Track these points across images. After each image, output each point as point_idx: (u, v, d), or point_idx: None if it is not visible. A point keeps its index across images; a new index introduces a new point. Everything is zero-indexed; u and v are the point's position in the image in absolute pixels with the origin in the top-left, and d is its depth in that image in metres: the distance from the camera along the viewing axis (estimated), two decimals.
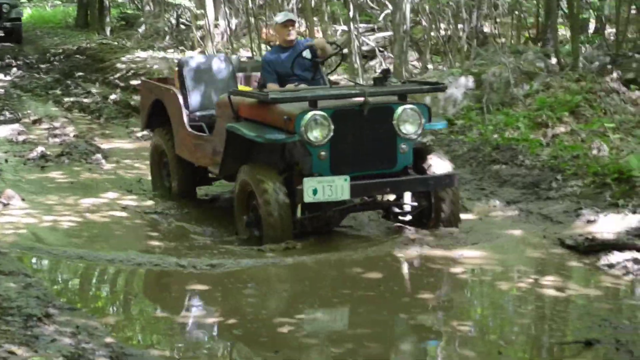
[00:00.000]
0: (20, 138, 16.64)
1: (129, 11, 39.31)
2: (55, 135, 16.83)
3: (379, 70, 9.99)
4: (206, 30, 27.54)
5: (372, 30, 23.21)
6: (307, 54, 9.65)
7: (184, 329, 7.24)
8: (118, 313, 7.49)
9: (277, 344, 6.97)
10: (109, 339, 6.58)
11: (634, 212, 10.28)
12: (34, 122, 18.45)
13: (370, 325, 6.77)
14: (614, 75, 17.26)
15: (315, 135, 7.83)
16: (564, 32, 20.43)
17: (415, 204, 9.12)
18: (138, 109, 20.67)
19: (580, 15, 20.69)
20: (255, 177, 8.01)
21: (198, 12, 28.87)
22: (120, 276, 8.68)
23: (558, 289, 8.08)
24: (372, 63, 21.11)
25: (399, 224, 9.43)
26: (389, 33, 20.40)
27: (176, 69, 10.90)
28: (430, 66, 19.42)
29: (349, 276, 7.76)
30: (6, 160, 14.33)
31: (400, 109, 8.18)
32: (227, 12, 27.40)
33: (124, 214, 11.29)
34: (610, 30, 20.72)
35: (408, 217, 9.14)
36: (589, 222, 10.20)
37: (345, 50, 11.69)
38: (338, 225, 9.08)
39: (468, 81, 16.32)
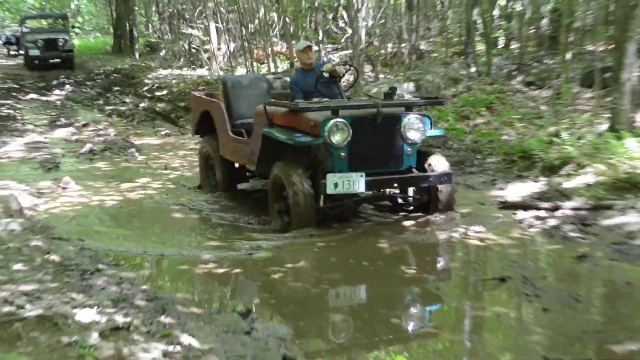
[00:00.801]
0: (73, 138, 16.64)
1: (152, 39, 38.91)
2: (99, 135, 16.82)
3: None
4: (211, 52, 27.34)
5: (337, 49, 23.12)
6: (326, 74, 9.37)
7: (201, 279, 7.26)
8: (151, 268, 7.50)
9: (272, 288, 7.05)
10: (144, 287, 6.61)
11: (535, 181, 10.42)
12: (83, 125, 18.38)
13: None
14: (518, 79, 17.37)
15: (337, 138, 7.69)
16: (480, 47, 20.39)
17: (418, 197, 8.98)
18: (162, 113, 20.77)
19: (492, 35, 20.70)
20: (286, 172, 7.84)
21: (205, 38, 28.69)
22: (156, 236, 8.70)
23: (480, 239, 8.19)
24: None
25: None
26: (350, 51, 20.31)
27: (221, 85, 10.64)
28: (381, 76, 19.35)
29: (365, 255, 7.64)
30: (63, 155, 14.33)
31: (406, 118, 8.07)
32: (227, 38, 27.22)
33: (153, 191, 11.32)
34: (515, 45, 20.73)
35: (410, 208, 9.03)
36: (502, 189, 10.35)
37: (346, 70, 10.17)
38: (353, 213, 8.91)
39: (409, 86, 16.40)
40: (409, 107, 8.38)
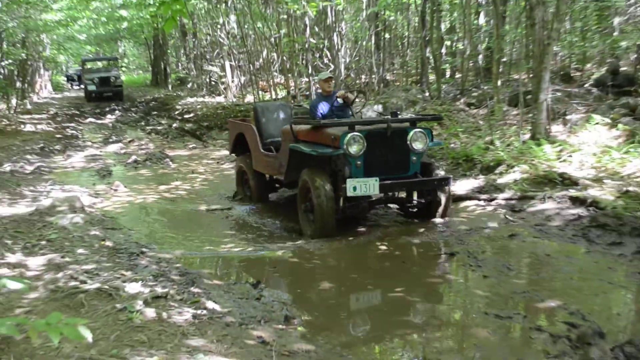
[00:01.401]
0: (122, 151, 16.58)
1: (181, 75, 38.95)
2: (142, 149, 16.75)
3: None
4: (226, 84, 27.36)
5: None
6: (340, 100, 9.17)
7: (222, 260, 7.25)
8: (186, 251, 7.49)
9: (275, 264, 7.05)
10: (178, 265, 6.60)
11: (475, 179, 10.42)
12: (129, 141, 18.32)
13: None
14: (461, 101, 17.39)
15: (354, 149, 7.36)
16: (432, 77, 20.42)
17: (422, 200, 8.43)
18: (189, 131, 20.71)
19: (441, 67, 20.72)
20: (312, 177, 7.50)
21: (221, 73, 28.69)
22: (185, 228, 8.71)
23: (436, 223, 8.20)
24: None
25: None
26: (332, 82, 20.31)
27: (252, 111, 10.31)
28: (357, 100, 19.35)
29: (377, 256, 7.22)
30: (114, 165, 14.29)
31: (412, 132, 7.73)
32: (238, 73, 27.22)
33: (183, 192, 11.31)
34: (458, 75, 20.76)
35: (415, 209, 8.57)
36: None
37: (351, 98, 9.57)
38: (367, 213, 8.49)
39: (379, 107, 16.34)
40: (413, 122, 8.09)
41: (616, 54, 19.50)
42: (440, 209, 8.27)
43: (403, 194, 8.67)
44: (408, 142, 7.74)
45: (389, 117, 7.95)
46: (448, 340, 4.77)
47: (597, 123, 12.12)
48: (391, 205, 9.22)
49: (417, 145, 7.75)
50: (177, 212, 9.85)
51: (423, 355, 4.19)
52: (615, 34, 20.19)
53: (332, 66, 19.66)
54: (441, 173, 8.26)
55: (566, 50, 21.21)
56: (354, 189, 7.18)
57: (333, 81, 9.45)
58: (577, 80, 18.48)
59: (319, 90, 9.59)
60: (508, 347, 4.60)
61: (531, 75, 13.74)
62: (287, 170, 8.39)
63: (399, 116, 8.37)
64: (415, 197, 8.56)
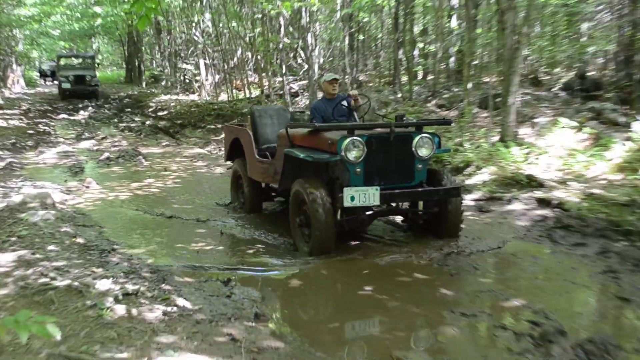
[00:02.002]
0: (94, 148, 16.49)
1: (155, 72, 38.77)
2: (115, 146, 16.66)
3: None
4: (200, 82, 27.33)
5: (296, 79, 23.17)
6: (344, 103, 8.27)
7: (193, 256, 7.24)
8: (154, 248, 7.47)
9: (244, 262, 7.05)
10: (149, 261, 6.60)
11: None
12: (102, 138, 18.22)
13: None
14: (433, 102, 17.50)
15: (353, 155, 6.52)
16: (404, 79, 20.52)
17: (428, 210, 7.52)
18: (163, 129, 20.63)
19: (413, 69, 20.83)
20: (305, 187, 6.66)
21: (196, 72, 28.66)
22: (153, 228, 8.67)
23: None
24: (296, 99, 21.09)
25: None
26: (306, 81, 20.33)
27: (249, 115, 9.62)
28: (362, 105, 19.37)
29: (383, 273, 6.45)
30: (86, 161, 14.20)
31: (417, 137, 6.87)
32: (212, 71, 27.18)
33: (155, 190, 11.26)
34: (430, 77, 20.90)
35: (421, 221, 7.69)
36: None
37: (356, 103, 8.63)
38: (367, 226, 7.70)
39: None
40: (419, 127, 7.16)
41: (584, 59, 19.74)
42: (449, 225, 7.35)
43: (407, 205, 7.89)
44: (413, 148, 6.93)
45: (392, 121, 7.20)
46: (415, 337, 4.82)
47: (564, 126, 12.26)
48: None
49: (423, 152, 6.96)
50: (152, 209, 9.81)
51: (390, 352, 4.22)
52: (583, 39, 20.44)
53: (306, 66, 19.66)
54: (451, 180, 7.36)
55: (536, 55, 21.46)
56: (352, 198, 6.44)
57: (337, 83, 8.53)
58: (546, 84, 18.68)
59: (320, 94, 8.99)
60: (473, 345, 4.67)
61: (501, 79, 13.87)
62: (282, 177, 7.63)
63: (404, 120, 7.53)
64: (421, 208, 7.75)
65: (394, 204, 7.23)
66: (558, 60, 21.42)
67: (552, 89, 17.30)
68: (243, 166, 9.15)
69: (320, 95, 10.50)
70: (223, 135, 10.85)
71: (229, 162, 10.28)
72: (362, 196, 6.44)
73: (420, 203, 7.67)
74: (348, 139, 6.54)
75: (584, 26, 21.17)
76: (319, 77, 18.66)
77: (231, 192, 9.90)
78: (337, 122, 8.04)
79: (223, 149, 10.56)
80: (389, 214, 7.63)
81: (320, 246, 6.63)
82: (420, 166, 7.00)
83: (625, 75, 16.78)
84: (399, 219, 8.37)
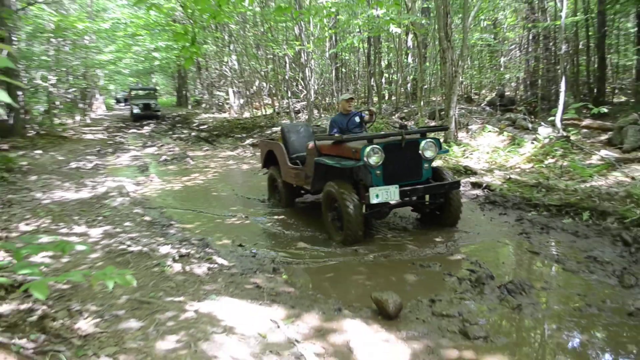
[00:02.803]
0: (156, 152, 16.38)
1: (197, 98, 38.55)
2: (170, 151, 16.56)
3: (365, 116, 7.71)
4: (230, 104, 27.22)
5: (298, 101, 23.08)
6: (357, 118, 7.59)
7: (228, 229, 7.21)
8: (202, 223, 7.44)
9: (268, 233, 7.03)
10: (198, 232, 6.59)
11: None
12: (161, 146, 18.12)
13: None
14: (396, 116, 17.45)
15: (374, 160, 5.97)
16: (375, 99, 20.47)
17: (434, 202, 6.74)
18: (204, 138, 20.50)
19: (381, 92, 20.77)
20: (338, 188, 6.06)
21: (226, 97, 28.55)
22: (203, 206, 8.63)
23: None
24: (299, 115, 21.01)
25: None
26: (305, 102, 20.25)
27: (279, 132, 8.69)
28: (323, 115, 19.33)
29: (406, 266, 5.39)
30: (150, 162, 14.12)
31: (423, 142, 6.32)
32: (239, 96, 27.06)
33: (200, 181, 11.21)
34: (393, 98, 20.84)
35: (427, 210, 6.95)
36: None
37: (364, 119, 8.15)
38: (386, 216, 6.91)
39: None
40: (423, 133, 6.62)
41: (502, 83, 19.74)
42: (452, 213, 6.66)
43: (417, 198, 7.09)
44: (420, 151, 6.36)
45: (402, 130, 6.49)
46: (388, 282, 4.81)
47: (489, 131, 12.26)
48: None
49: (428, 154, 6.40)
50: (197, 195, 9.75)
51: (370, 293, 4.22)
52: (501, 69, 20.43)
53: (305, 91, 19.57)
54: (449, 175, 6.72)
55: (468, 80, 21.45)
56: (377, 196, 5.89)
57: (353, 101, 7.78)
58: (476, 101, 18.69)
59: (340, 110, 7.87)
60: (428, 286, 4.66)
61: (444, 98, 13.84)
62: (314, 181, 6.98)
63: (408, 128, 6.86)
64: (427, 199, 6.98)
65: (407, 198, 6.53)
66: (484, 84, 21.45)
67: (480, 105, 17.30)
68: (277, 172, 8.43)
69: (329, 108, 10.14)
70: (259, 148, 9.62)
71: (264, 169, 9.34)
72: (385, 194, 5.91)
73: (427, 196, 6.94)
74: (369, 147, 6.00)
75: (502, 60, 21.17)
76: (314, 99, 18.63)
77: (268, 192, 9.12)
78: (353, 134, 7.31)
79: (259, 156, 9.33)
80: (403, 206, 6.89)
81: (353, 236, 6.00)
82: (426, 165, 6.46)
83: (531, 94, 16.82)
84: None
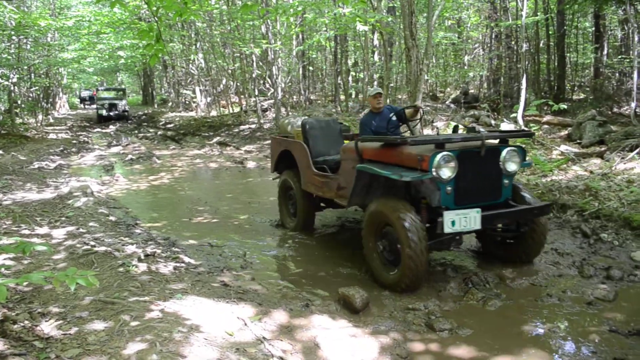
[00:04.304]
0: (121, 152, 16.07)
1: (164, 96, 38.03)
2: (135, 150, 16.28)
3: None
4: (197, 103, 26.91)
5: (265, 99, 22.95)
6: (395, 118, 5.94)
7: (195, 227, 7.13)
8: (168, 222, 7.35)
9: (236, 229, 6.95)
10: (163, 232, 6.50)
11: None
12: (126, 145, 17.80)
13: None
14: (363, 113, 17.51)
15: (446, 172, 4.36)
16: (342, 97, 20.53)
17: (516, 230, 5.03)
18: (170, 137, 20.26)
19: (348, 90, 20.84)
20: (392, 209, 4.40)
21: (193, 95, 28.21)
22: (169, 205, 8.52)
23: None
24: (267, 113, 20.91)
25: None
26: (272, 100, 20.16)
27: (298, 128, 6.74)
28: (290, 113, 19.26)
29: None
30: (115, 162, 13.85)
31: (505, 151, 4.70)
32: (205, 94, 26.77)
33: (166, 180, 11.05)
34: (360, 96, 20.94)
35: (498, 239, 5.27)
36: None
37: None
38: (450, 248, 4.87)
39: (305, 118, 16.16)
40: (505, 140, 4.95)
41: (466, 81, 20.02)
42: (534, 246, 4.97)
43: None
44: (501, 163, 4.72)
45: (483, 132, 5.00)
46: (358, 279, 4.81)
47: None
48: None
49: (511, 167, 4.76)
50: (161, 195, 9.61)
51: (336, 288, 4.21)
52: (465, 67, 20.73)
53: (272, 90, 19.50)
54: (531, 196, 5.01)
55: (433, 78, 21.69)
56: (453, 223, 4.30)
57: (381, 97, 6.22)
58: (441, 99, 18.91)
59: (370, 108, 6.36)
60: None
61: (410, 96, 13.96)
62: (353, 194, 5.20)
63: (478, 132, 5.21)
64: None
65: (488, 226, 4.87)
66: (449, 82, 21.70)
67: (445, 102, 17.50)
68: (295, 178, 6.60)
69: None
70: (270, 147, 7.64)
71: (275, 173, 7.39)
72: (464, 220, 4.35)
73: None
74: (440, 155, 4.36)
75: (466, 58, 21.48)
76: (281, 97, 18.57)
77: (279, 206, 7.08)
78: (392, 135, 5.71)
79: (269, 159, 7.41)
80: (474, 232, 4.95)
81: (413, 277, 4.28)
82: (507, 182, 4.80)
83: (494, 92, 17.10)
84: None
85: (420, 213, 4.44)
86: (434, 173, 4.34)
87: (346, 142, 6.62)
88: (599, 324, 3.78)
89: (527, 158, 5.14)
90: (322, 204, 6.54)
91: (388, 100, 15.10)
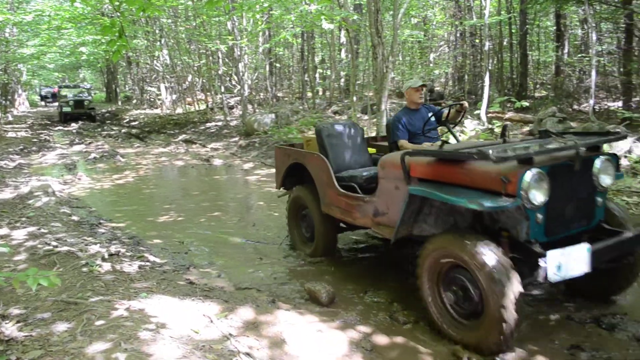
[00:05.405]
0: (84, 151, 15.75)
1: (128, 93, 37.43)
2: (99, 148, 15.96)
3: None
4: (162, 100, 26.60)
5: (232, 96, 22.82)
6: (432, 117, 5.01)
7: (161, 226, 7.08)
8: (133, 221, 7.27)
9: (201, 226, 6.92)
10: (127, 231, 6.44)
11: None
12: (89, 143, 17.45)
13: None
14: (329, 110, 17.59)
15: (538, 196, 3.21)
16: (310, 94, 20.57)
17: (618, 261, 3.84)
18: (135, 135, 19.95)
19: (315, 88, 20.90)
20: (470, 249, 3.21)
21: (158, 92, 27.86)
22: (134, 204, 8.42)
23: None
24: (233, 110, 20.82)
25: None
26: (239, 97, 20.05)
27: (311, 134, 5.88)
28: (257, 111, 19.18)
29: None
30: (78, 161, 13.60)
31: (598, 161, 3.60)
32: (170, 91, 26.46)
33: (130, 179, 10.91)
34: (327, 93, 21.01)
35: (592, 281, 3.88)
36: None
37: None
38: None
39: (272, 116, 16.23)
40: (596, 147, 3.75)
41: (432, 78, 20.30)
42: (633, 276, 3.89)
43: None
44: (594, 177, 3.61)
45: (574, 138, 3.74)
46: (319, 271, 4.87)
47: None
48: None
49: (606, 180, 3.66)
50: (127, 193, 9.49)
51: (302, 284, 4.25)
52: (431, 65, 21.00)
53: (239, 87, 19.41)
54: (626, 216, 3.89)
55: (399, 76, 21.90)
56: (559, 268, 3.19)
57: (424, 91, 5.16)
58: None
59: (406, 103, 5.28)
60: (362, 276, 4.74)
61: (376, 93, 14.10)
62: (401, 224, 3.88)
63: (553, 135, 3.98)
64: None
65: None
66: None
67: None
68: (310, 196, 5.30)
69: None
70: (274, 158, 6.11)
71: (282, 190, 6.05)
72: (572, 262, 3.24)
73: None
74: (531, 173, 3.19)
75: (431, 56, 21.75)
76: (248, 94, 18.49)
77: (289, 228, 5.83)
78: (426, 141, 4.97)
79: (275, 173, 6.09)
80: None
81: (506, 337, 3.15)
82: (600, 200, 3.70)
83: (458, 89, 17.40)
84: None
85: (501, 249, 3.25)
86: (524, 197, 3.18)
87: (371, 151, 5.66)
88: None
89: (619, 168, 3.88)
90: (341, 224, 5.24)
91: (355, 98, 15.20)
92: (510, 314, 3.07)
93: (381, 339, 3.55)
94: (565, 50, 15.90)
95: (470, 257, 3.21)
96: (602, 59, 13.89)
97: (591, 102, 11.27)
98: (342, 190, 4.71)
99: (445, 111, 5.04)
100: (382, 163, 4.22)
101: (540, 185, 3.23)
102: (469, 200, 3.24)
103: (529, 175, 3.18)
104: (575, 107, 13.26)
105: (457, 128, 4.86)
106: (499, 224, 3.56)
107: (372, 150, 5.74)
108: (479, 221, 3.71)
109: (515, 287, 3.08)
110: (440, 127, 5.22)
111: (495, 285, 3.08)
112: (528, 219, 3.33)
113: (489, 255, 3.15)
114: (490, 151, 3.16)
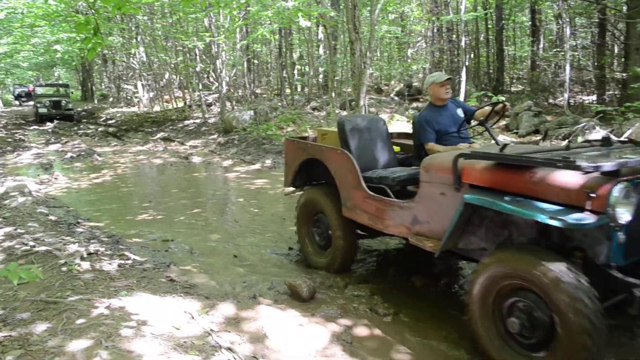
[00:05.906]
0: (60, 150, 15.55)
1: (104, 91, 36.98)
2: (75, 148, 15.76)
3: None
4: (139, 98, 26.34)
5: (210, 93, 22.69)
6: (461, 113, 4.51)
7: (140, 223, 7.04)
8: (111, 220, 7.21)
9: (181, 225, 6.90)
10: (106, 230, 6.40)
11: None
12: (65, 142, 17.22)
13: None
14: (308, 107, 17.62)
15: (624, 214, 2.68)
16: (288, 90, 20.55)
17: None
18: (111, 133, 19.73)
19: (293, 84, 20.89)
20: (540, 265, 2.73)
21: (135, 90, 27.59)
22: (112, 203, 8.35)
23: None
24: (212, 108, 20.72)
25: None
26: (217, 94, 19.95)
27: (332, 129, 5.24)
28: (235, 108, 19.10)
29: None
30: (54, 160, 13.42)
31: None
32: (147, 89, 26.22)
33: (108, 178, 10.81)
34: (306, 89, 21.02)
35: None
36: None
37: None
38: None
39: (251, 112, 16.16)
40: None
41: (410, 74, 20.43)
42: None
43: None
44: None
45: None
46: (300, 270, 4.90)
47: (397, 119, 12.67)
48: None
49: None
50: (104, 192, 9.40)
51: (284, 280, 4.28)
52: (409, 60, 21.15)
53: (216, 83, 19.31)
54: None
55: (377, 72, 22.01)
56: None
57: (450, 85, 4.65)
58: (385, 91, 19.24)
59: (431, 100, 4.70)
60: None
61: (355, 89, 14.17)
62: (451, 236, 3.35)
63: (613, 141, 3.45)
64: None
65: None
66: (393, 75, 22.07)
67: (390, 95, 17.83)
68: (327, 198, 4.68)
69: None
70: (284, 153, 5.42)
71: (291, 188, 5.48)
72: None
73: None
74: (620, 187, 2.71)
75: (409, 51, 21.90)
76: (226, 91, 18.41)
77: (299, 236, 5.14)
78: (458, 141, 4.43)
79: (284, 170, 5.45)
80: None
81: None
82: None
83: None
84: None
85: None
86: (610, 214, 2.69)
87: (396, 149, 5.14)
88: None
89: None
90: (359, 231, 4.67)
91: (334, 94, 15.23)
92: (595, 343, 2.64)
93: (361, 331, 3.60)
94: (541, 45, 16.15)
95: (547, 279, 2.73)
96: (576, 53, 14.15)
97: (566, 95, 11.48)
98: (371, 193, 4.12)
99: (488, 108, 4.41)
100: (427, 165, 3.67)
101: (630, 201, 2.76)
102: (549, 216, 2.74)
103: (617, 189, 2.71)
104: (551, 101, 13.48)
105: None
106: (573, 243, 3.05)
107: (396, 148, 5.16)
108: (545, 236, 3.17)
109: (599, 314, 2.65)
110: (471, 128, 4.66)
111: (582, 327, 2.62)
112: (610, 239, 2.84)
113: (569, 276, 2.69)
114: (581, 160, 2.69)
